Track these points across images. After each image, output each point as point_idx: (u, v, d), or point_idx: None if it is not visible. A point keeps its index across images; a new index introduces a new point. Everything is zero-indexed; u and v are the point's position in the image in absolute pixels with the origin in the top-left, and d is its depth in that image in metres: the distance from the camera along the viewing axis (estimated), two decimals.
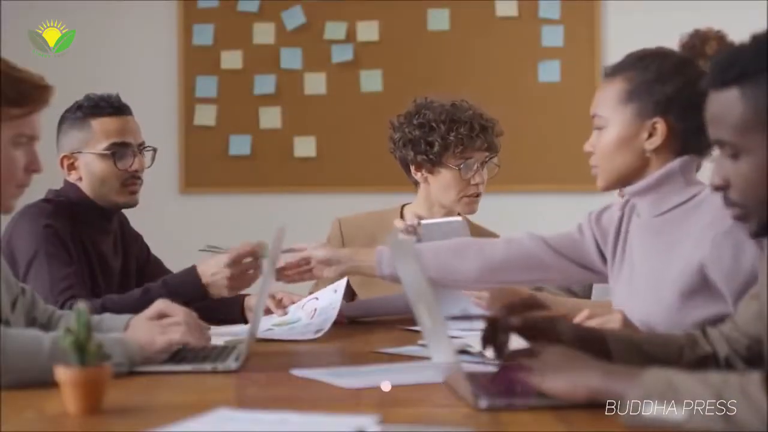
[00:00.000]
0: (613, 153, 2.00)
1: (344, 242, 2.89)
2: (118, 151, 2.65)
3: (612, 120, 2.00)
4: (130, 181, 2.67)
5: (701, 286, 1.89)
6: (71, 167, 2.67)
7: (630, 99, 1.98)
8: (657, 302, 1.93)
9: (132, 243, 2.83)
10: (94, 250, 2.64)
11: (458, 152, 2.80)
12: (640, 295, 1.99)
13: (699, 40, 2.01)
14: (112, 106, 2.68)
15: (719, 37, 2.01)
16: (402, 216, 2.90)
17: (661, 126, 1.97)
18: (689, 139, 1.97)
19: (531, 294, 2.13)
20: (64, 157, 2.67)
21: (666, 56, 2.01)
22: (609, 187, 2.07)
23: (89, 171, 2.66)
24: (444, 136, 2.79)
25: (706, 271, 1.88)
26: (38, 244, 2.50)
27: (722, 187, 1.49)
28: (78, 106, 2.69)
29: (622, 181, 2.03)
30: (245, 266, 2.44)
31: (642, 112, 1.97)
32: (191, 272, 2.48)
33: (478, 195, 2.85)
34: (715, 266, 1.87)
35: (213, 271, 2.45)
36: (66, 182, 2.69)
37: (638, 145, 1.98)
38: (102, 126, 2.66)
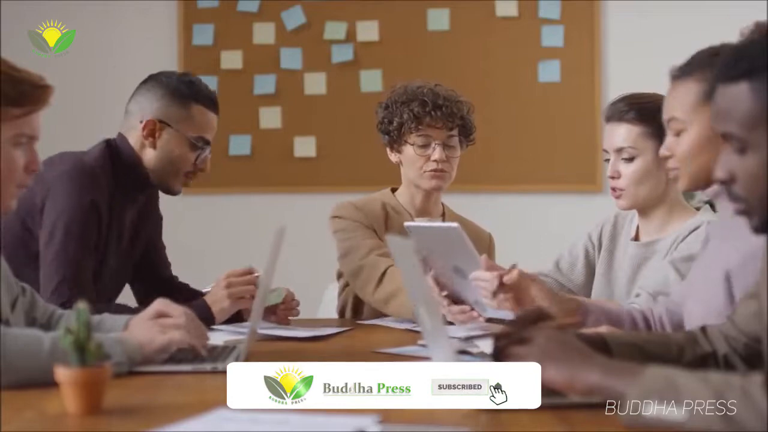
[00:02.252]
0: (698, 154, 1.98)
1: (368, 222, 2.90)
2: (204, 146, 2.66)
3: (693, 122, 1.97)
4: (192, 175, 2.68)
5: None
6: (151, 134, 2.61)
7: (709, 98, 1.95)
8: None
9: (155, 222, 2.84)
10: (117, 219, 2.62)
11: (413, 128, 2.86)
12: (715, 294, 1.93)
13: (762, 33, 1.96)
14: (213, 102, 2.68)
15: None
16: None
17: None
18: None
19: (539, 307, 2.10)
20: (151, 121, 2.60)
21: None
22: (693, 188, 2.05)
23: (169, 148, 2.62)
24: (400, 113, 2.86)
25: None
26: (73, 215, 2.46)
27: (727, 182, 1.49)
28: (183, 81, 2.65)
29: (707, 180, 1.99)
30: (243, 279, 2.49)
31: None
32: (201, 301, 2.50)
33: (442, 171, 2.86)
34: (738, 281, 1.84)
35: (213, 291, 2.50)
36: (122, 137, 2.63)
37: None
38: (202, 116, 2.64)
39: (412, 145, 2.87)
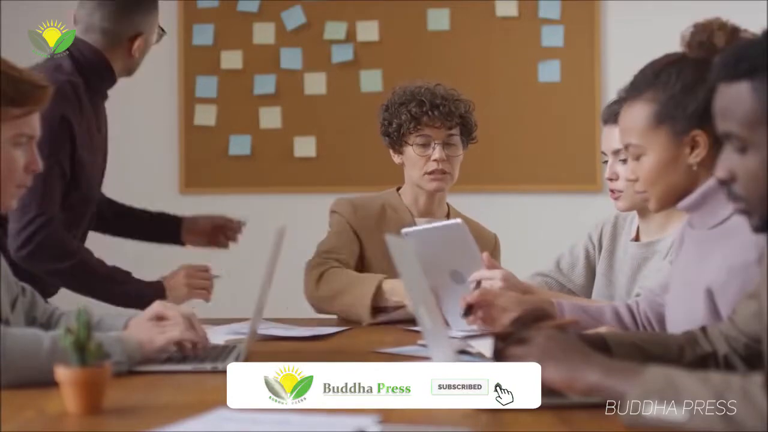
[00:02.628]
0: (660, 177, 1.92)
1: (357, 223, 2.91)
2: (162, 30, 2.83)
3: (648, 146, 1.92)
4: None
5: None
6: (139, 48, 2.72)
7: (661, 120, 1.90)
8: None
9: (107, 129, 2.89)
10: (95, 126, 2.69)
11: (412, 128, 2.87)
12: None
13: (705, 35, 1.93)
14: None
15: (723, 25, 1.93)
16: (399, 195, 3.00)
17: (702, 138, 1.87)
18: None
19: (539, 307, 2.10)
20: (139, 39, 2.71)
21: (682, 63, 1.91)
22: (664, 209, 2.00)
23: (147, 48, 2.75)
24: (399, 114, 2.88)
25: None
26: (43, 133, 2.51)
27: (727, 181, 1.49)
28: None
29: (676, 200, 1.94)
30: (202, 274, 2.69)
31: (678, 130, 1.88)
32: (157, 283, 2.66)
33: (442, 172, 2.87)
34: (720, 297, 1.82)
35: (171, 276, 2.68)
36: (83, 42, 2.69)
37: (683, 162, 1.90)
38: (156, 11, 2.78)
39: (412, 145, 2.88)
